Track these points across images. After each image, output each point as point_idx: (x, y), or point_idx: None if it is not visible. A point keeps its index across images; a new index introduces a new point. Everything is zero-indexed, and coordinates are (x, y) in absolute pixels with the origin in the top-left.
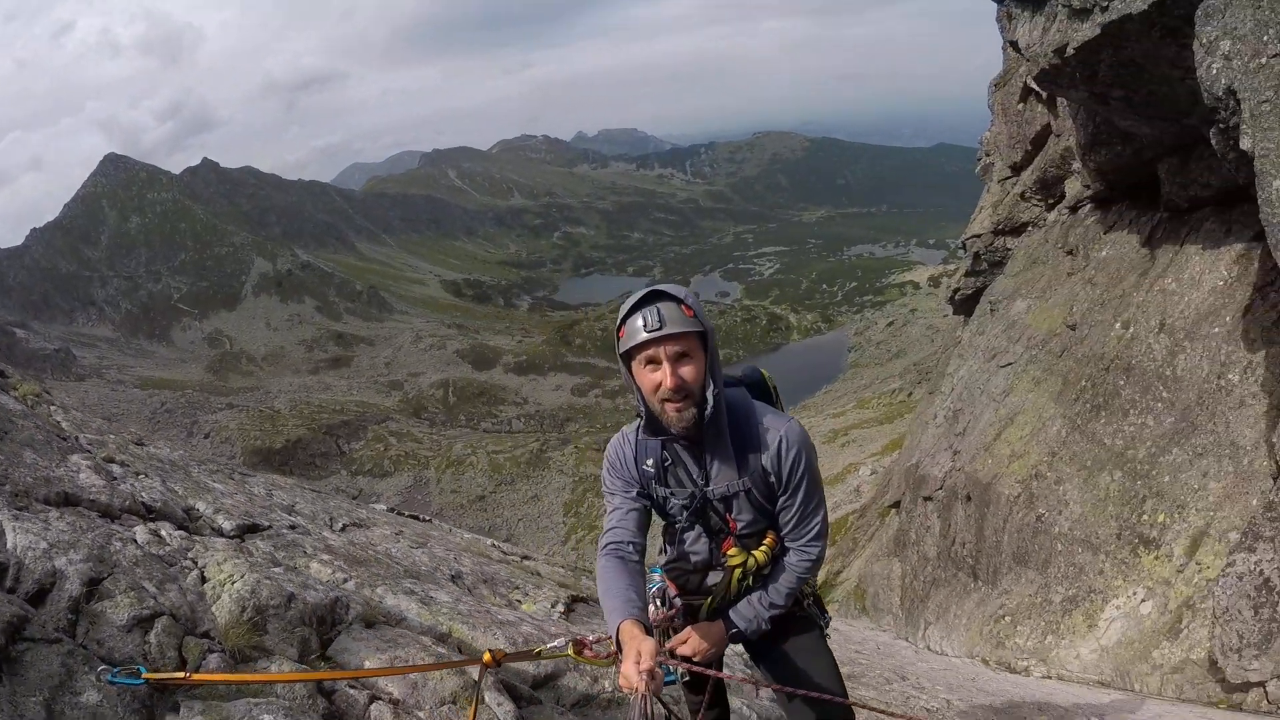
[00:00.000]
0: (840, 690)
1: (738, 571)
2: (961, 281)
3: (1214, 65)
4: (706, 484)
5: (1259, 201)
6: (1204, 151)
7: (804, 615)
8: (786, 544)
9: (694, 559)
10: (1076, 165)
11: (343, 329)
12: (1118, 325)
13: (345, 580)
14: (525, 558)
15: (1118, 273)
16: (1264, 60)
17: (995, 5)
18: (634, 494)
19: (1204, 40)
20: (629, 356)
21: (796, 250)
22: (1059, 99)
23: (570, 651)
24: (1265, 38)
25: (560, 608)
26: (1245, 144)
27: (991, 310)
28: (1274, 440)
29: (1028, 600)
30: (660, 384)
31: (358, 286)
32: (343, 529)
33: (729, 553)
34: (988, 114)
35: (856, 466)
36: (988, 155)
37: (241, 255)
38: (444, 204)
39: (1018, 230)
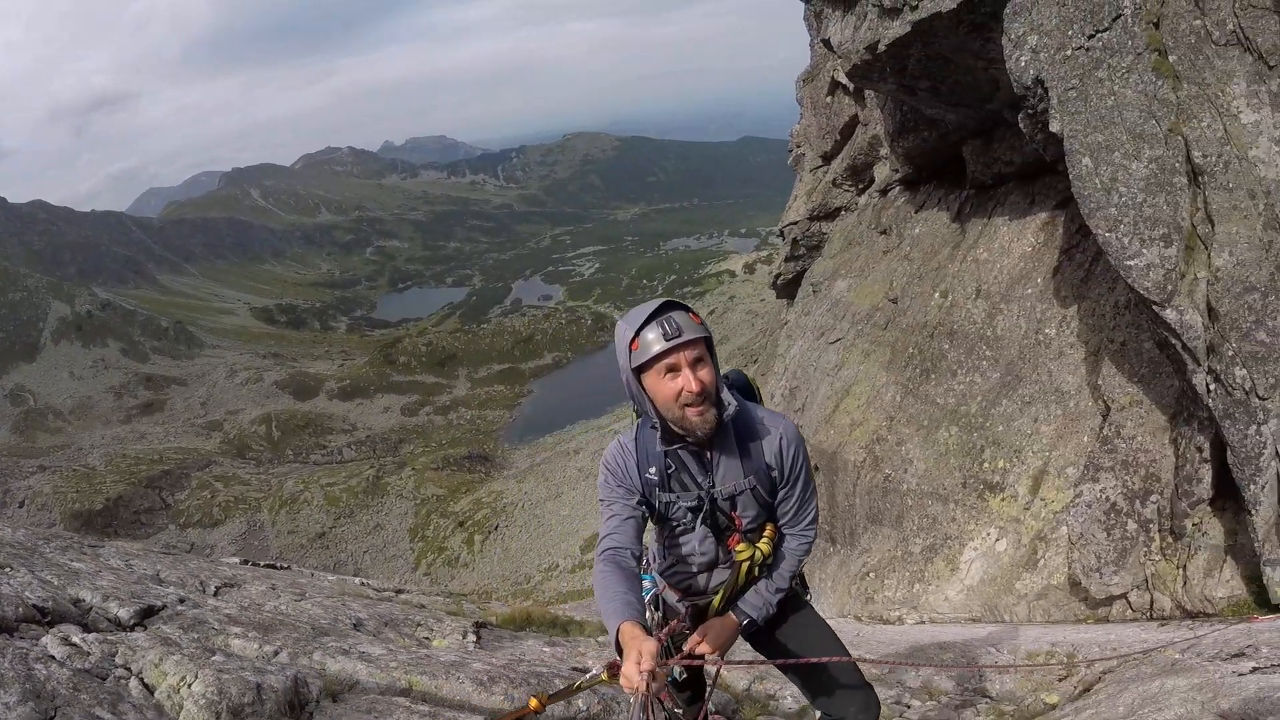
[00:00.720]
0: (844, 651)
1: (746, 565)
2: (783, 267)
3: (1022, 58)
4: (713, 485)
5: (1070, 177)
6: (1005, 133)
7: (793, 594)
8: (785, 531)
9: (699, 559)
10: (885, 151)
11: (151, 370)
12: (937, 295)
13: (275, 653)
14: (399, 591)
15: (932, 247)
16: (1069, 52)
17: (803, 5)
18: (634, 502)
19: (1013, 35)
20: (641, 369)
21: (614, 248)
22: (867, 91)
23: (605, 677)
24: (1070, 32)
25: (471, 638)
26: (1055, 127)
27: (814, 291)
28: (1099, 383)
29: (889, 555)
30: (681, 390)
31: (163, 323)
32: (217, 592)
33: (737, 548)
34: (791, 107)
35: None
36: (798, 147)
37: (37, 300)
38: (248, 226)
39: (832, 215)
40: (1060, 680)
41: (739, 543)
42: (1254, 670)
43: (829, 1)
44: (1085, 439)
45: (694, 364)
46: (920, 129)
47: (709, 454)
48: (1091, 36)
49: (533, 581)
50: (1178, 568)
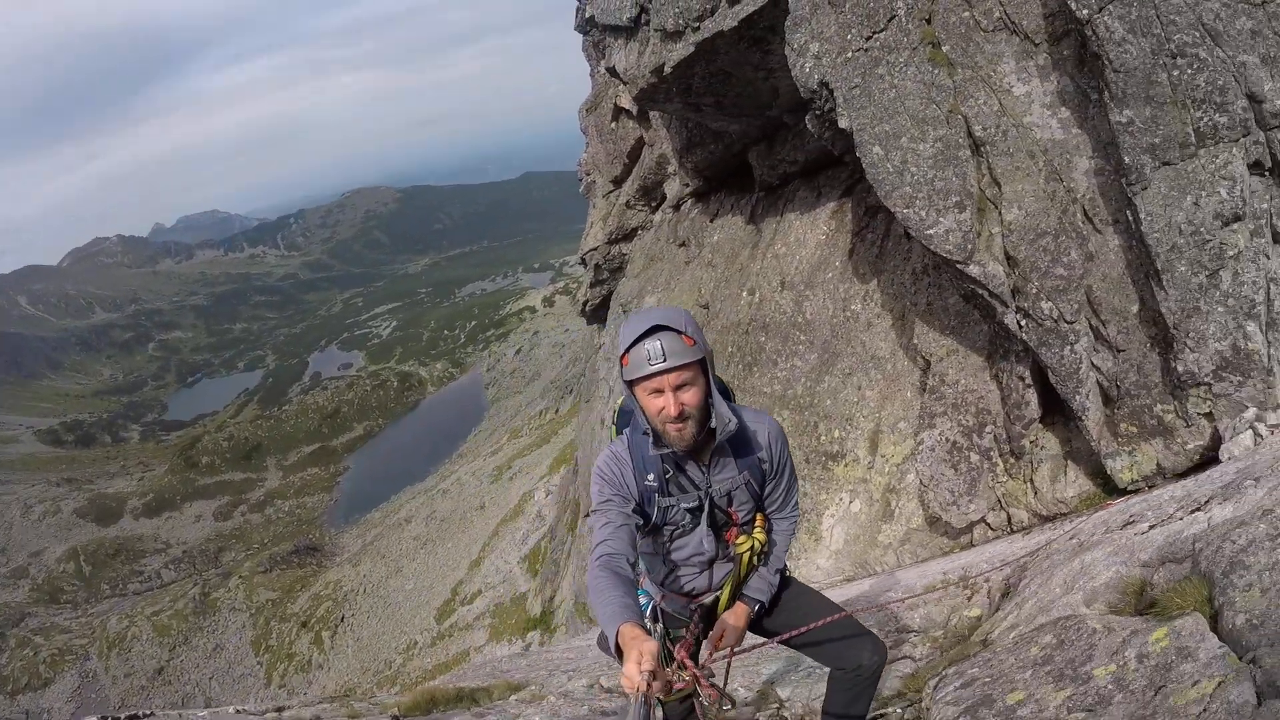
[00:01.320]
0: (836, 610)
1: (747, 555)
2: (589, 293)
3: (806, 65)
4: (709, 485)
5: (864, 165)
6: (787, 136)
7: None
8: (773, 518)
9: (701, 558)
10: (674, 168)
11: None
12: (745, 294)
13: None
14: (281, 709)
15: (732, 251)
16: (850, 54)
17: (580, 37)
18: (629, 509)
19: (795, 45)
20: (631, 383)
21: (409, 303)
22: (651, 113)
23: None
24: (849, 36)
25: None
26: (844, 123)
27: (625, 311)
28: (914, 342)
29: None
30: (664, 409)
31: None
32: None
33: (737, 541)
34: (570, 138)
35: (531, 494)
36: (588, 175)
37: None
38: (19, 339)
39: (630, 236)
40: (970, 598)
41: (737, 536)
42: (1151, 528)
43: (610, 31)
44: (909, 394)
45: (678, 388)
46: (707, 142)
47: (706, 457)
48: (869, 38)
49: (395, 666)
50: (1025, 482)
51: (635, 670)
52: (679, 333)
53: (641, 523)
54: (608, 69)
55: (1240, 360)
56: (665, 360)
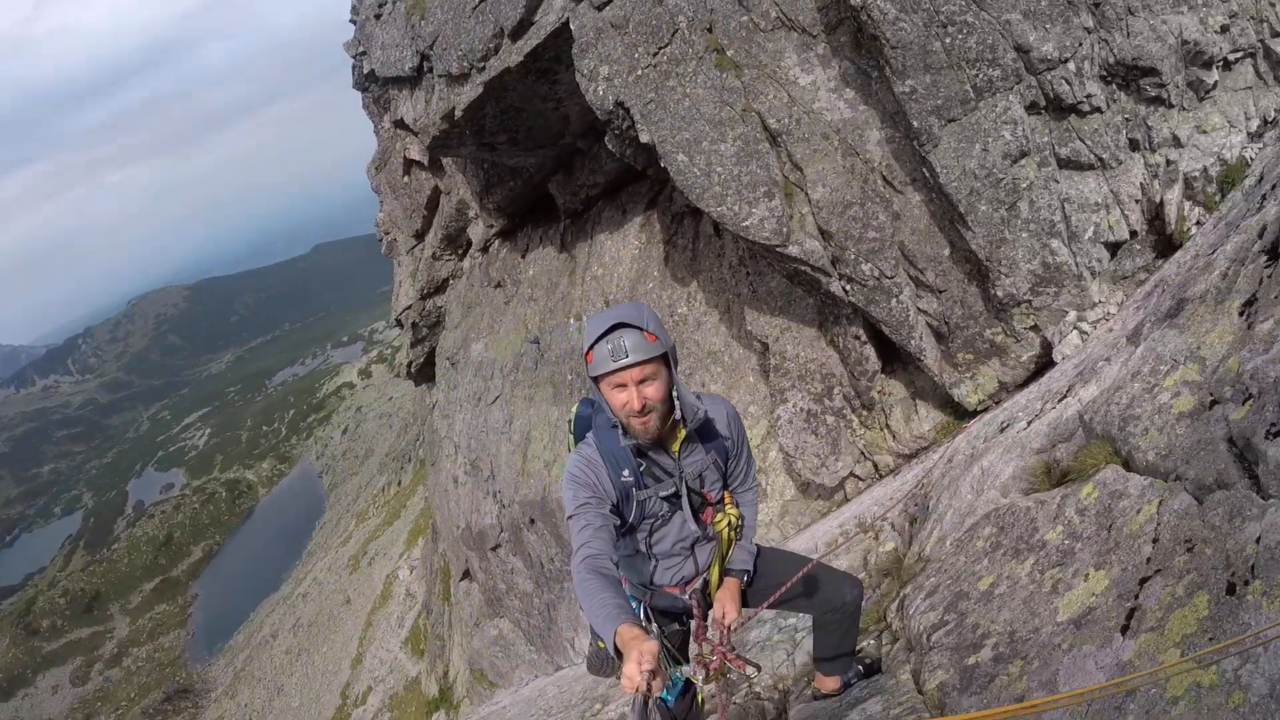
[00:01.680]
0: (805, 562)
1: (726, 531)
2: (411, 353)
3: (599, 88)
4: (681, 471)
5: (671, 173)
6: (583, 161)
7: None
8: (738, 493)
9: (683, 544)
10: (475, 211)
11: None
12: (572, 321)
13: None
14: None
15: (550, 282)
16: (640, 72)
17: (360, 94)
18: (606, 510)
19: (585, 71)
20: (596, 378)
21: (220, 406)
22: (444, 160)
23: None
24: (637, 55)
25: None
26: (645, 138)
27: (453, 365)
28: (747, 329)
29: None
30: (627, 404)
31: None
32: None
33: (715, 520)
34: (356, 200)
35: (395, 574)
36: (388, 234)
37: None
38: None
39: (442, 288)
40: (877, 538)
41: (714, 515)
42: (1030, 423)
43: (393, 83)
44: (752, 379)
45: (640, 382)
46: (506, 180)
47: (676, 445)
48: (656, 54)
49: None
50: (882, 429)
51: (636, 670)
52: (640, 329)
53: (618, 524)
54: (395, 122)
55: (1052, 274)
56: (628, 356)
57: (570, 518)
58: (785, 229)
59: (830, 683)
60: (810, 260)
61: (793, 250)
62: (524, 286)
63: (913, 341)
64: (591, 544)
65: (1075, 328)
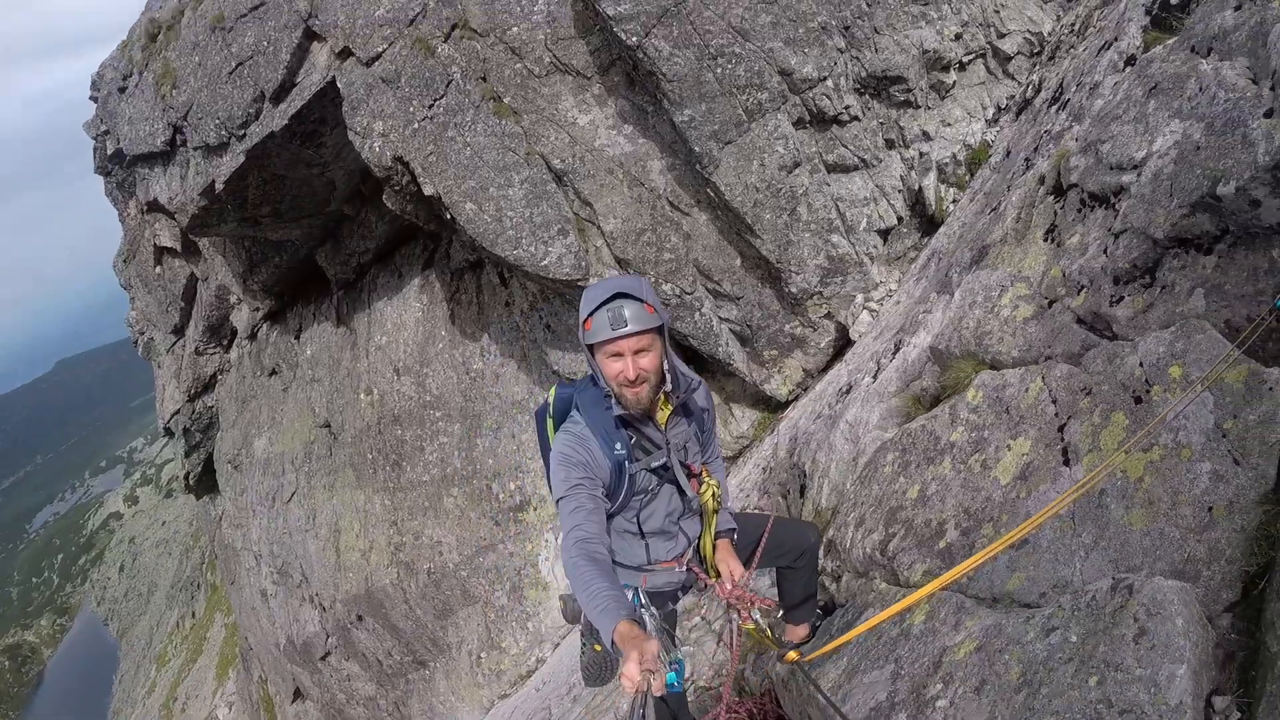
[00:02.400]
0: (767, 515)
1: (711, 501)
2: (187, 463)
3: (375, 144)
4: (668, 442)
5: (461, 223)
6: (352, 227)
7: None
8: (709, 463)
9: (674, 516)
10: (237, 296)
11: None
12: (363, 396)
13: None
14: None
15: (332, 360)
16: (417, 125)
17: (102, 180)
18: (598, 493)
19: (358, 129)
20: (592, 347)
21: None
22: (202, 243)
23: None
24: (412, 108)
25: None
26: (429, 190)
27: (236, 468)
28: (553, 369)
29: (485, 625)
30: (622, 373)
31: None
32: None
33: (701, 491)
34: (98, 306)
35: (214, 714)
36: (143, 334)
37: None
38: None
39: (211, 385)
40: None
41: (699, 486)
42: (875, 377)
43: (144, 161)
44: None
45: (636, 352)
46: (271, 257)
47: (663, 418)
48: (432, 106)
49: None
50: None
51: (635, 670)
52: (640, 301)
53: (609, 506)
54: (146, 205)
55: (837, 265)
56: (627, 325)
57: (560, 500)
58: (584, 263)
59: (800, 631)
60: None
61: (592, 282)
62: (303, 369)
63: (720, 349)
64: (584, 526)
65: (865, 308)
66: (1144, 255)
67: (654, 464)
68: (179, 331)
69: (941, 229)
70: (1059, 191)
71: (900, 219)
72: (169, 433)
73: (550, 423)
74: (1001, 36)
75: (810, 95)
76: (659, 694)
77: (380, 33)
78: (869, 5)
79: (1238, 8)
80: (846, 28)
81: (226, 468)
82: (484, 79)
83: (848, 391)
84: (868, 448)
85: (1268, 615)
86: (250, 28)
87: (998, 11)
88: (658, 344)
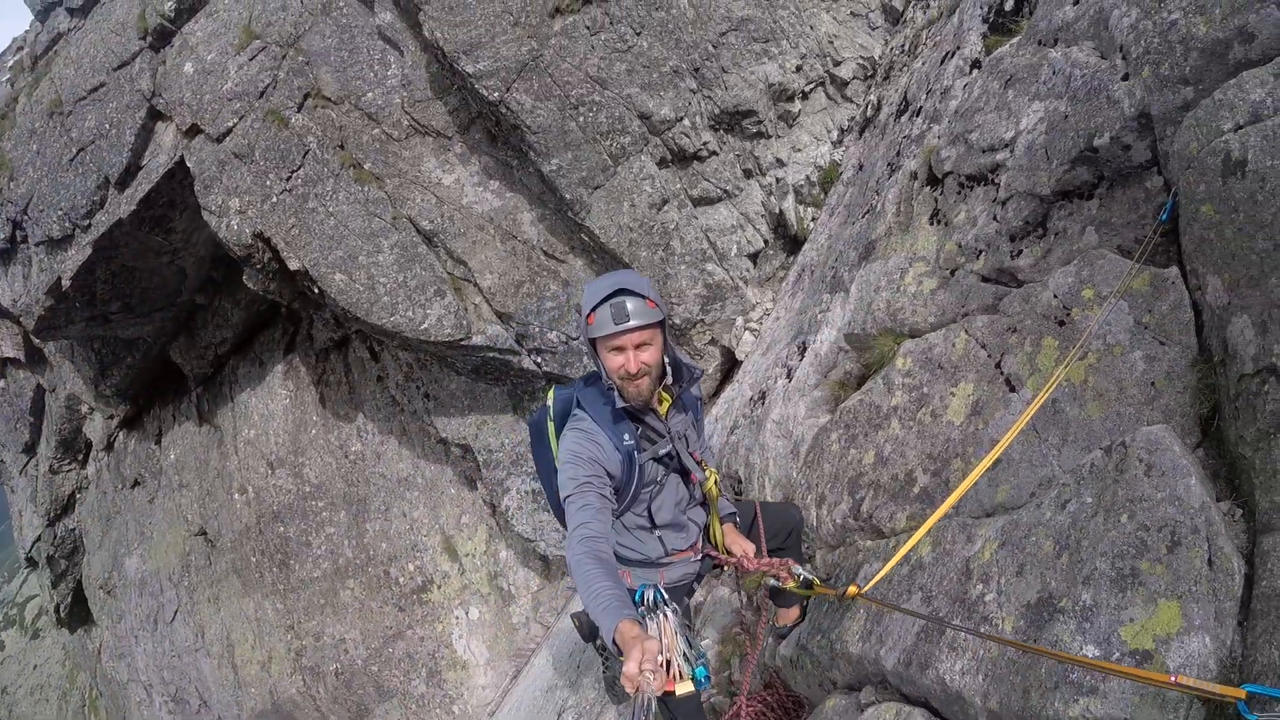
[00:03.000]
0: (753, 505)
1: (714, 487)
2: (56, 594)
3: (232, 222)
4: (670, 431)
5: (332, 295)
6: (206, 317)
7: None
8: (701, 450)
9: (681, 505)
10: (88, 406)
11: None
12: (237, 496)
13: None
14: None
15: (199, 462)
16: (275, 199)
17: None
18: (606, 491)
19: (213, 208)
20: (595, 340)
21: None
22: (48, 349)
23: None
24: (269, 182)
25: None
26: (294, 265)
27: (109, 592)
28: (440, 437)
29: (408, 715)
30: (623, 366)
31: None
32: None
33: (703, 478)
34: None
35: None
36: None
37: None
38: None
39: (70, 506)
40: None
41: (701, 473)
42: (789, 377)
43: None
44: (455, 490)
45: (638, 346)
46: (123, 357)
47: (664, 410)
48: (290, 178)
49: None
50: None
51: (636, 670)
52: (642, 297)
53: (616, 507)
54: None
55: (714, 292)
56: (629, 320)
57: (568, 498)
58: (464, 322)
59: (792, 613)
60: (497, 345)
61: (477, 340)
62: (168, 475)
63: None
64: (591, 524)
65: (746, 329)
66: (1034, 212)
67: (660, 452)
68: (30, 450)
69: (806, 245)
70: (934, 182)
71: (766, 241)
72: (31, 563)
73: (551, 426)
74: (837, 64)
75: (670, 135)
76: (659, 694)
77: (229, 107)
78: (715, 47)
79: (1076, 2)
80: (696, 69)
81: (99, 594)
82: (342, 146)
83: (762, 399)
84: (805, 436)
85: (1230, 436)
86: (90, 111)
87: (831, 42)
88: (658, 338)
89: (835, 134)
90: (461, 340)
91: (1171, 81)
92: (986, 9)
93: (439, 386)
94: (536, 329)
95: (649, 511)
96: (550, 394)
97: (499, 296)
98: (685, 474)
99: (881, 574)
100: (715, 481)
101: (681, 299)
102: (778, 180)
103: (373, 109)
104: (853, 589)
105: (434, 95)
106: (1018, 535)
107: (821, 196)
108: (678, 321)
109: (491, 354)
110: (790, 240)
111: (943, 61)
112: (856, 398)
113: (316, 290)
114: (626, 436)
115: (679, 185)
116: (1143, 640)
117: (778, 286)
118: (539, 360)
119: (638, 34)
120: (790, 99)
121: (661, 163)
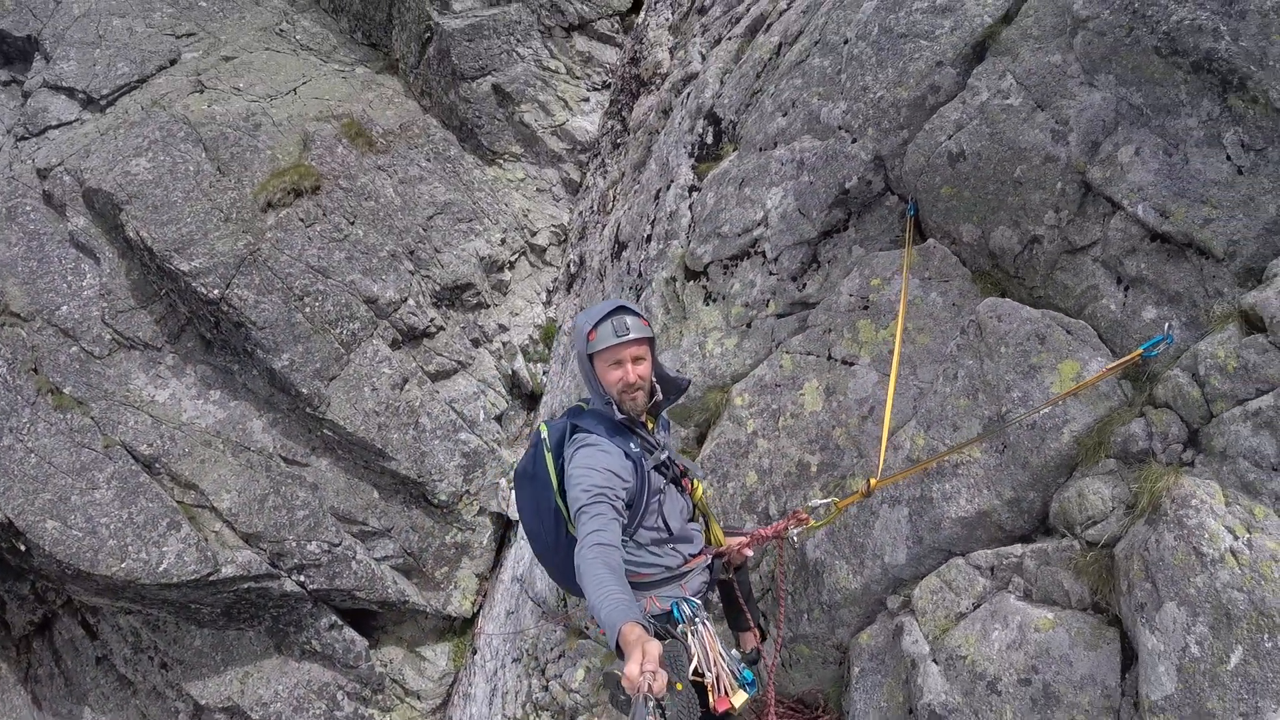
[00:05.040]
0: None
1: (702, 496)
2: None
3: None
4: (657, 443)
5: (47, 552)
6: None
7: None
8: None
9: (685, 515)
10: None
11: None
12: None
13: None
14: None
15: None
16: None
17: None
18: (619, 504)
19: None
20: (594, 356)
21: None
22: None
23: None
24: None
25: None
26: None
27: None
28: (199, 705)
29: None
30: (622, 379)
31: None
32: None
33: (694, 490)
34: None
35: None
36: None
37: None
38: None
39: None
40: None
41: (690, 485)
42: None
43: None
44: None
45: (635, 360)
46: None
47: (651, 423)
48: None
49: None
50: (404, 699)
51: (636, 671)
52: (638, 315)
53: (626, 521)
54: None
55: (473, 459)
56: (630, 333)
57: (580, 509)
58: (209, 553)
59: (750, 637)
60: (251, 572)
61: (228, 572)
62: None
63: (391, 591)
64: (604, 532)
65: (511, 488)
66: (805, 254)
67: (660, 458)
68: None
69: (545, 397)
70: (695, 276)
71: (508, 402)
72: None
73: (548, 457)
74: (534, 234)
75: (398, 316)
76: (660, 694)
77: None
78: (425, 230)
79: (785, 114)
80: (412, 251)
81: None
82: (36, 370)
83: None
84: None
85: (1023, 290)
86: None
87: (526, 215)
88: (650, 355)
89: (544, 295)
90: (210, 576)
91: (893, 129)
92: (691, 146)
93: (180, 647)
94: (293, 543)
95: (663, 520)
96: (543, 428)
97: (242, 516)
98: (679, 483)
99: (892, 475)
100: (703, 491)
101: (444, 474)
102: (504, 344)
103: (69, 324)
104: (872, 480)
105: (138, 304)
106: (935, 412)
107: (546, 351)
108: (443, 498)
109: (247, 584)
110: (527, 397)
111: (657, 197)
112: (709, 448)
113: (23, 548)
114: (632, 445)
115: (414, 363)
116: (1066, 384)
117: (524, 440)
118: (303, 579)
119: (351, 223)
120: (501, 269)
121: (394, 344)
